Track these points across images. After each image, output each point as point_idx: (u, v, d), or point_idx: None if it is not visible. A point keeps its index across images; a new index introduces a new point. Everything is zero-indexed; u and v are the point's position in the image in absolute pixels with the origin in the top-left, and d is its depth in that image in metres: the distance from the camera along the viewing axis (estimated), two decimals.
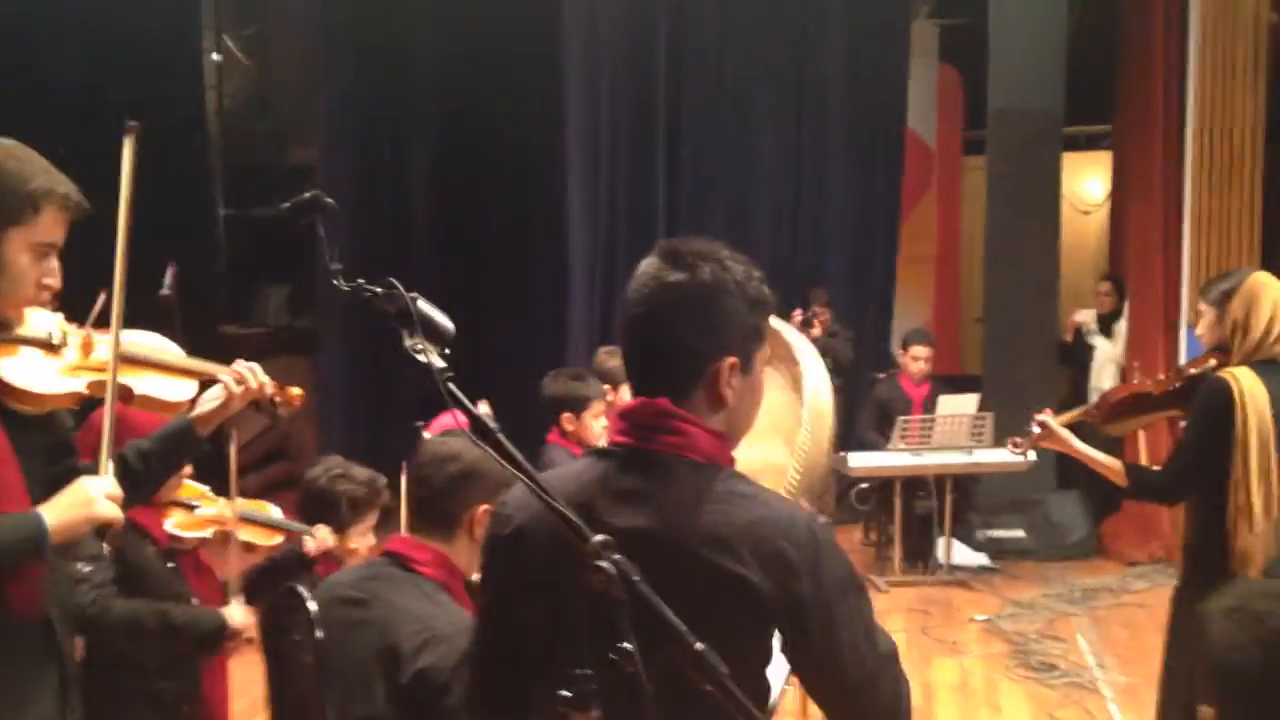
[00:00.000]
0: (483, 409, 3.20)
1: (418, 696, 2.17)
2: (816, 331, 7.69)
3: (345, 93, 9.06)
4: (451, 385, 1.25)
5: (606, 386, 4.20)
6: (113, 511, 1.97)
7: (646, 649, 1.16)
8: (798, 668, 1.57)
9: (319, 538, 2.95)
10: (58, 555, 2.07)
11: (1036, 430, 3.51)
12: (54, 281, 2.05)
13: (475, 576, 2.89)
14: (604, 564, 1.17)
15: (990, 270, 8.09)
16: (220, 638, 2.77)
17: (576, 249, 8.56)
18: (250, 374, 2.27)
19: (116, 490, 2.00)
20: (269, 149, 10.86)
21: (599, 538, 1.19)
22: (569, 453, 3.85)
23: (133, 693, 2.75)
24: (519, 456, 1.27)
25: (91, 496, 1.95)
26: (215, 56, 9.75)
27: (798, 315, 7.49)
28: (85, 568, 2.47)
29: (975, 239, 9.14)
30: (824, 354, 7.72)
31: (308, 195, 1.42)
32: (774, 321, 1.75)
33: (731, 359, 1.58)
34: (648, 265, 1.60)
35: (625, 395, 4.18)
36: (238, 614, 2.79)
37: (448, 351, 1.29)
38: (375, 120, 9.15)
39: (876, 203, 9.03)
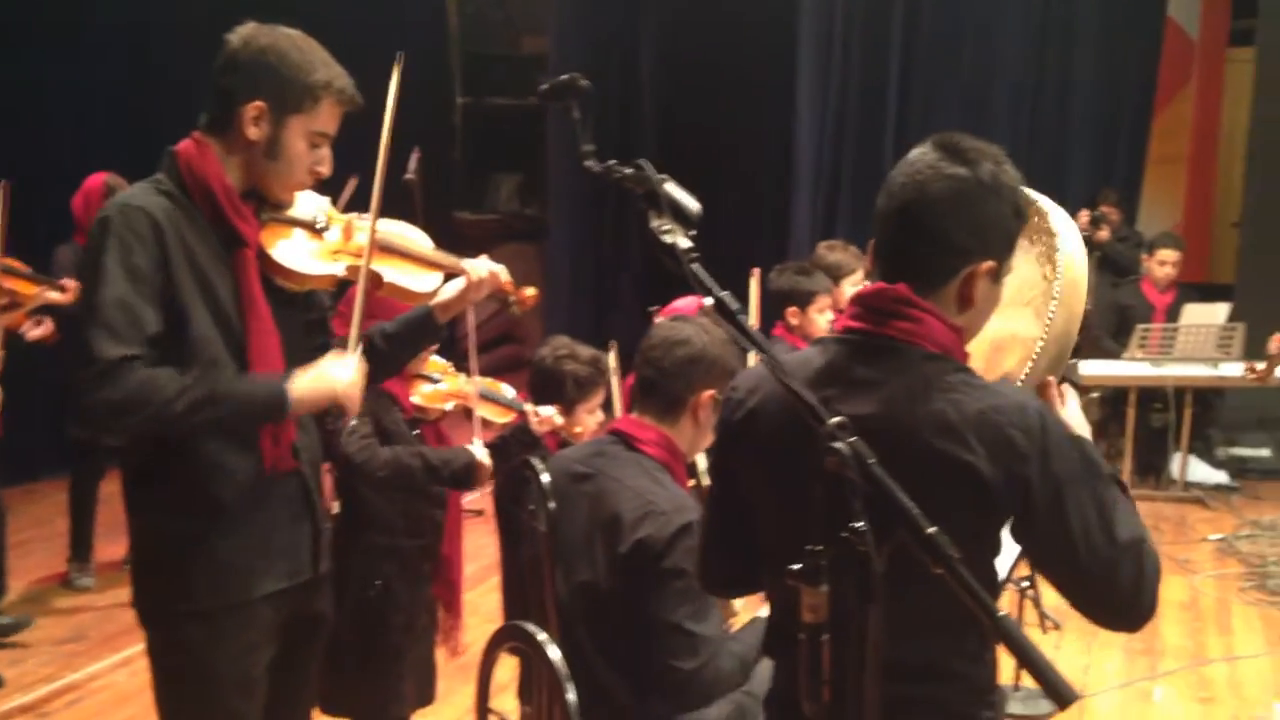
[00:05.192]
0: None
1: (635, 564, 2.32)
2: (1105, 234, 7.33)
3: None
4: (696, 267, 1.28)
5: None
6: (350, 395, 2.11)
7: (877, 531, 1.18)
8: (1028, 552, 1.58)
9: (545, 416, 3.08)
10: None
11: (1275, 350, 3.29)
12: (325, 169, 2.16)
13: (699, 460, 3.00)
14: (839, 445, 1.18)
15: (1252, 172, 7.54)
16: (472, 471, 2.98)
17: (802, 139, 8.42)
18: (490, 271, 2.33)
19: (358, 376, 2.13)
20: (503, 39, 11.08)
21: (834, 419, 1.20)
22: (793, 347, 3.87)
23: (379, 549, 2.96)
24: (760, 338, 1.29)
25: (335, 379, 2.09)
26: None
27: (1084, 215, 7.14)
28: (352, 421, 2.66)
29: (1235, 139, 8.46)
30: (1105, 260, 7.36)
31: (565, 78, 1.45)
32: (1029, 192, 1.72)
33: (989, 263, 1.58)
34: (922, 155, 1.59)
35: (847, 292, 4.15)
36: (481, 452, 3.01)
37: (693, 233, 1.32)
38: (606, 11, 9.18)
39: (1127, 95, 8.44)
